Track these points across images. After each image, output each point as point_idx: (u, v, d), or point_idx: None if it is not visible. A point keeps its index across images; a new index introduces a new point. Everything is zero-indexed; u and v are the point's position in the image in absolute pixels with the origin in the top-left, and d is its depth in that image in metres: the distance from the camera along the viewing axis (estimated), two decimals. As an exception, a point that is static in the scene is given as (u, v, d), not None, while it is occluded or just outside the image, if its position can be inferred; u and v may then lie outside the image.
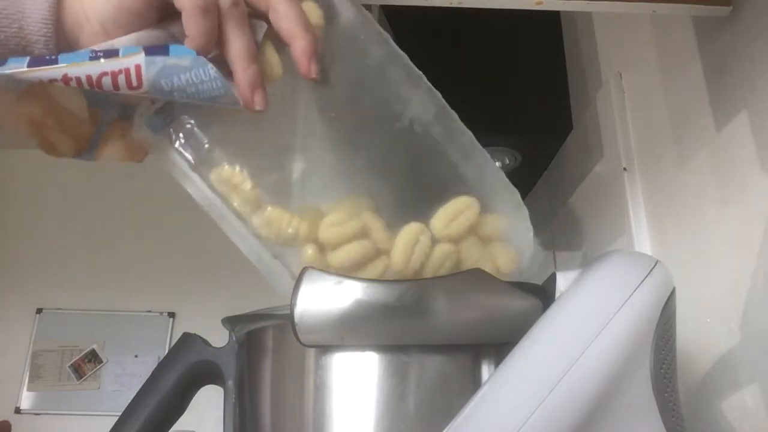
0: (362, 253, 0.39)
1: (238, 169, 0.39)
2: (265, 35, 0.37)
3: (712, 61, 0.60)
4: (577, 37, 1.06)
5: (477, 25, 1.05)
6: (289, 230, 0.39)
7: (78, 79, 0.33)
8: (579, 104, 1.04)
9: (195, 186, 0.40)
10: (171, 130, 0.39)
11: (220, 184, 0.39)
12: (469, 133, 0.42)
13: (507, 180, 0.43)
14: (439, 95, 0.42)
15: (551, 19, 1.11)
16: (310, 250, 0.39)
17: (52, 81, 0.32)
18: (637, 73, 0.81)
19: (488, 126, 1.06)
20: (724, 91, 0.58)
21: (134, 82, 0.33)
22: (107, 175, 2.24)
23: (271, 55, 0.38)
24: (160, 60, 0.34)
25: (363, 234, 0.40)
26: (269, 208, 0.39)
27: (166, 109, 0.38)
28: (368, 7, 1.01)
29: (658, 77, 0.73)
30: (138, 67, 0.33)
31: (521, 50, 1.08)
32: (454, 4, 0.51)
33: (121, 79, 0.33)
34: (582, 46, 1.03)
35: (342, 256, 0.39)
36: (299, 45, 0.36)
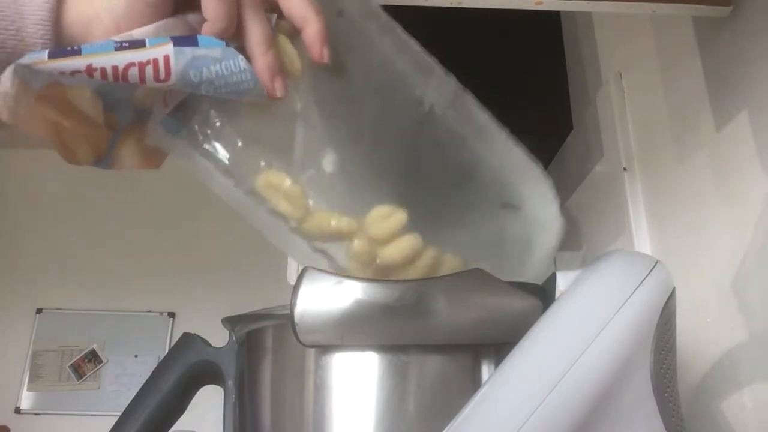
0: (413, 247, 0.40)
1: (283, 173, 0.38)
2: (278, 30, 0.37)
3: (712, 61, 0.60)
4: (577, 37, 1.06)
5: (477, 25, 1.05)
6: (333, 222, 0.39)
7: (103, 70, 0.31)
8: (579, 104, 1.04)
9: (223, 185, 0.39)
10: (196, 127, 0.37)
11: (266, 189, 0.39)
12: (487, 112, 0.43)
13: (529, 154, 0.44)
14: (454, 78, 0.42)
15: (551, 19, 1.11)
16: (358, 243, 0.40)
17: (74, 72, 0.31)
18: (637, 73, 0.81)
19: (488, 126, 1.06)
20: (724, 91, 0.58)
21: (162, 74, 0.32)
22: (108, 175, 2.23)
23: (290, 50, 0.37)
24: (189, 51, 0.32)
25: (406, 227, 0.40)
26: (311, 203, 0.39)
27: (181, 110, 0.37)
28: (368, 7, 1.01)
29: (658, 77, 0.73)
30: (167, 58, 0.32)
31: (521, 50, 1.08)
32: (454, 4, 0.51)
33: (149, 70, 0.32)
34: (582, 46, 1.03)
35: (394, 252, 0.40)
36: (311, 29, 0.35)
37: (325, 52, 0.36)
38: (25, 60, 0.30)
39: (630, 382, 0.34)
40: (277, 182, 0.39)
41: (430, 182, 0.43)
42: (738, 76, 0.55)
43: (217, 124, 0.38)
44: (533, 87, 1.08)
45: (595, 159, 0.91)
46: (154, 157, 0.39)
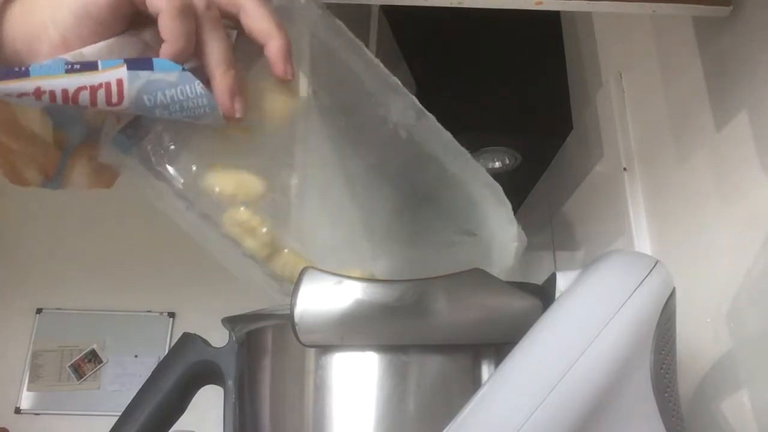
0: None
1: (252, 213, 0.38)
2: (261, 71, 0.35)
3: (712, 61, 0.60)
4: (577, 37, 1.06)
5: (477, 25, 1.05)
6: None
7: (52, 93, 0.30)
8: (579, 104, 1.04)
9: (174, 207, 0.38)
10: (149, 148, 0.36)
11: (233, 226, 0.38)
12: (448, 133, 0.42)
13: (489, 176, 0.44)
14: (416, 99, 0.42)
15: (551, 19, 1.11)
16: None
17: (22, 95, 0.29)
18: (637, 73, 0.81)
19: (488, 126, 1.06)
20: (724, 91, 0.58)
21: (114, 98, 0.31)
22: (107, 175, 2.23)
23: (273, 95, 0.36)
24: (144, 75, 0.31)
25: None
26: (285, 251, 0.39)
27: (132, 127, 0.36)
28: (368, 7, 1.02)
29: (658, 77, 0.73)
30: (120, 82, 0.31)
31: (521, 50, 1.08)
32: (454, 4, 0.51)
33: (101, 94, 0.30)
34: (582, 46, 1.03)
35: None
36: (275, 45, 0.34)
37: (289, 69, 0.35)
38: None
39: (630, 382, 0.34)
40: (243, 220, 0.38)
41: (392, 206, 0.43)
42: (738, 76, 0.55)
43: (171, 147, 0.37)
44: (533, 87, 1.08)
45: (595, 159, 0.91)
46: (105, 176, 0.38)
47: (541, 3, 0.52)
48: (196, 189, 0.38)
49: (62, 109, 0.32)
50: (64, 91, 0.30)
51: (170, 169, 0.37)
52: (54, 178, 0.35)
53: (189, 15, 0.32)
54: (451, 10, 0.52)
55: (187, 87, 0.32)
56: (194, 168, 0.37)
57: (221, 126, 0.35)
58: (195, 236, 0.39)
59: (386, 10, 1.04)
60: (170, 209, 0.38)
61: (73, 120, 0.35)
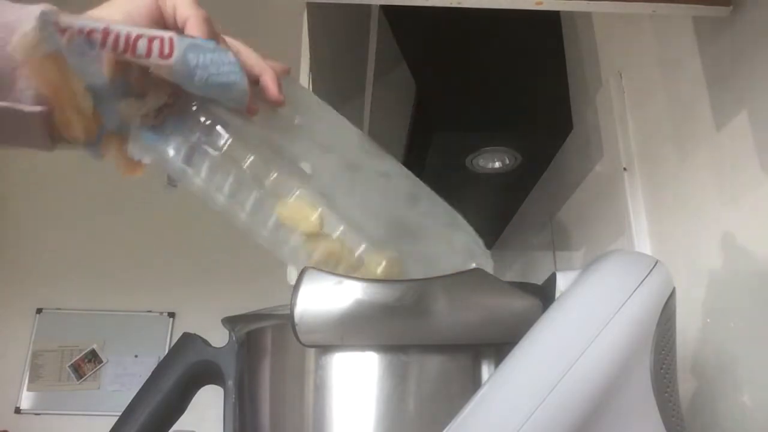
0: None
1: (304, 204, 0.41)
2: None
3: (712, 61, 0.60)
4: (577, 37, 1.06)
5: (477, 25, 1.05)
6: (345, 255, 0.42)
7: (117, 36, 0.35)
8: (579, 104, 1.04)
9: (203, 190, 0.41)
10: (185, 127, 0.40)
11: (288, 219, 0.41)
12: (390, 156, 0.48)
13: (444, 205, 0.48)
14: (364, 136, 0.48)
15: (551, 19, 1.11)
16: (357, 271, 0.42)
17: (92, 32, 0.34)
18: (637, 73, 0.81)
19: (488, 126, 1.06)
20: (724, 91, 0.58)
21: (166, 50, 0.36)
22: (107, 175, 2.23)
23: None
24: (188, 39, 0.37)
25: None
26: (333, 236, 0.41)
27: (159, 125, 0.40)
28: (368, 7, 1.02)
29: (658, 77, 0.73)
30: (171, 39, 0.36)
31: (521, 50, 1.08)
32: (454, 4, 0.51)
33: (156, 44, 0.36)
34: (582, 46, 1.03)
35: None
36: (268, 76, 0.42)
37: (281, 96, 0.42)
38: (49, 9, 0.33)
39: (630, 382, 0.34)
40: (300, 214, 0.41)
41: (388, 205, 0.47)
42: (738, 76, 0.55)
43: (207, 122, 0.40)
44: (533, 87, 1.08)
45: (595, 159, 0.91)
46: (135, 166, 0.42)
47: (541, 3, 0.52)
48: (232, 159, 0.41)
49: (100, 94, 0.37)
50: (127, 36, 0.35)
51: (208, 141, 0.40)
52: (94, 145, 0.39)
53: (211, 24, 0.39)
54: (451, 11, 0.52)
55: (222, 54, 0.38)
56: (229, 140, 0.41)
57: (244, 103, 0.40)
58: (225, 215, 0.42)
59: (386, 10, 1.04)
60: (199, 192, 0.42)
61: (109, 107, 0.38)
